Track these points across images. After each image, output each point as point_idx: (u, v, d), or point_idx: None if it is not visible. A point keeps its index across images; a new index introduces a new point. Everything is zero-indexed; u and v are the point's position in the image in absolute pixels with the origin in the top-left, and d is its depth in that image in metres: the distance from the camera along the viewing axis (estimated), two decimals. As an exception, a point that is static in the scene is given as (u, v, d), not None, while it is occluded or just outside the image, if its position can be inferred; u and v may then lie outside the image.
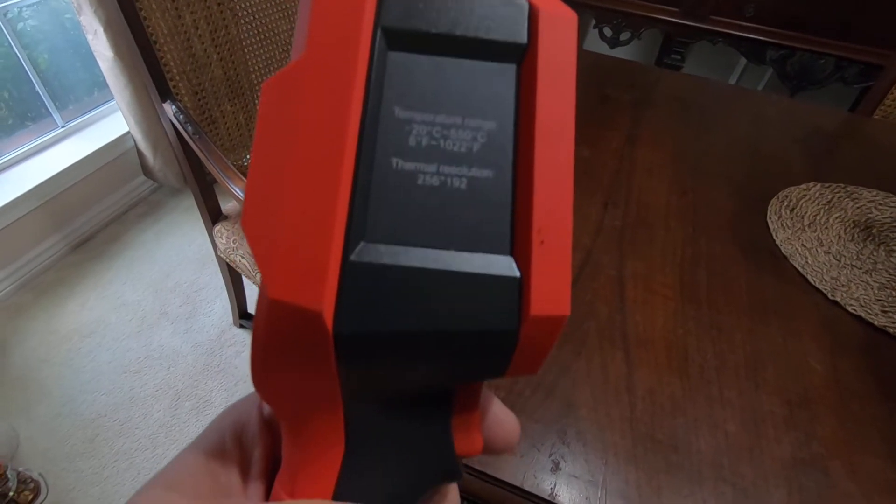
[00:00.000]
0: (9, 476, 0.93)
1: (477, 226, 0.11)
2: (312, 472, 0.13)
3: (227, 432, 0.15)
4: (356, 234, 0.10)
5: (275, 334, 0.11)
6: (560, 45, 0.12)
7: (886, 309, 0.54)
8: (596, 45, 1.86)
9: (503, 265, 0.11)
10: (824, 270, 0.59)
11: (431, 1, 0.11)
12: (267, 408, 0.16)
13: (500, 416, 0.16)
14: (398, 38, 0.11)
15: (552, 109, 0.11)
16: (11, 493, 0.93)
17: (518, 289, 0.11)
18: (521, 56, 0.12)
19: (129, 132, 1.55)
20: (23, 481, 0.96)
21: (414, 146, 0.11)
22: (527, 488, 0.37)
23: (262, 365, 0.12)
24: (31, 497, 0.95)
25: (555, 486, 0.38)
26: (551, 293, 0.11)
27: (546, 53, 0.11)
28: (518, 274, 0.11)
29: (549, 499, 0.37)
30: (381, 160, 0.11)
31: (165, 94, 0.83)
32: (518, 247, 0.11)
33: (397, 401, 0.13)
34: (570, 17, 0.12)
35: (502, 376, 0.13)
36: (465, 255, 0.11)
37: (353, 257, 0.10)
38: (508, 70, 0.12)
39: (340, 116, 0.10)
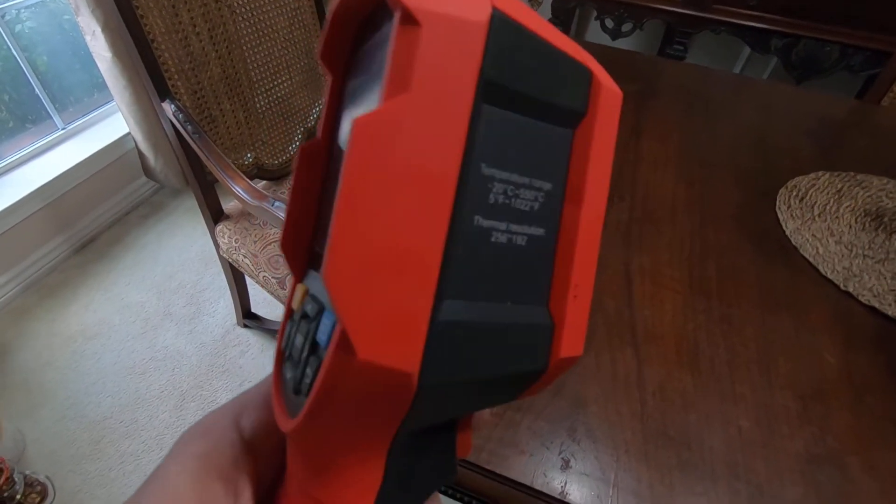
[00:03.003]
0: (15, 479, 0.93)
1: (527, 280, 0.12)
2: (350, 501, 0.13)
3: (204, 466, 0.14)
4: (441, 291, 0.10)
5: (353, 390, 0.11)
6: (610, 118, 0.13)
7: (900, 299, 0.53)
8: (598, 36, 1.84)
9: (541, 315, 0.13)
10: (836, 261, 0.57)
11: (525, 57, 0.11)
12: (247, 427, 0.15)
13: None
14: (495, 91, 0.11)
15: (598, 177, 0.13)
16: (19, 497, 0.93)
17: (550, 335, 0.13)
18: (578, 123, 0.13)
19: (129, 133, 1.54)
20: (29, 484, 0.96)
21: (492, 204, 0.11)
22: (537, 487, 0.37)
23: (322, 413, 0.12)
24: (38, 500, 0.95)
25: (565, 484, 0.37)
26: (575, 338, 0.13)
27: (601, 125, 0.13)
28: (551, 323, 0.13)
29: (559, 497, 0.36)
30: (466, 217, 0.11)
31: (164, 93, 0.82)
32: (554, 299, 0.13)
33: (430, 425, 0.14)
34: (619, 93, 0.13)
35: (514, 400, 0.14)
36: (517, 307, 0.12)
37: (439, 317, 0.10)
38: (566, 135, 0.13)
39: (443, 169, 0.10)
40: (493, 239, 0.11)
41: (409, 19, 0.09)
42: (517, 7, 0.11)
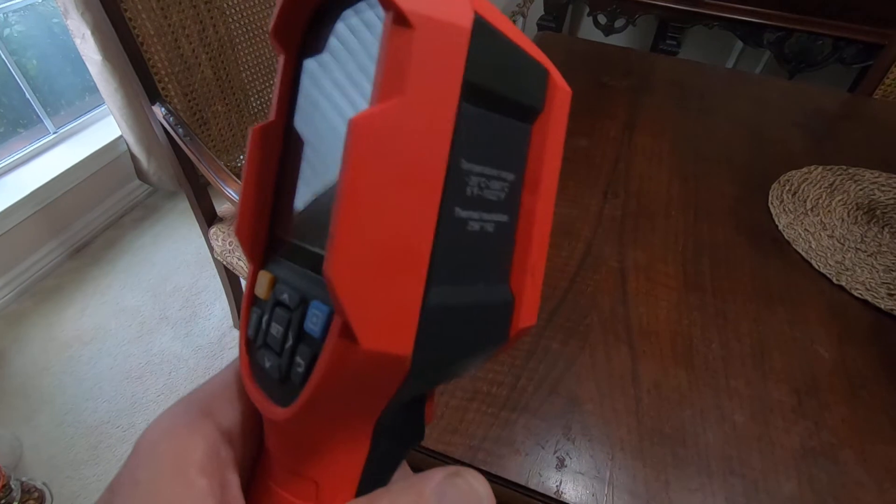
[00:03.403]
0: (12, 486, 0.92)
1: (495, 262, 0.14)
2: (339, 476, 0.14)
3: (183, 466, 0.13)
4: (430, 279, 0.11)
5: (351, 377, 0.11)
6: (562, 114, 0.14)
7: (893, 292, 0.53)
8: (590, 32, 1.84)
9: (504, 292, 0.14)
10: (828, 255, 0.58)
11: (499, 60, 0.12)
12: (224, 419, 0.15)
13: None
14: (475, 92, 0.11)
15: (552, 167, 0.14)
16: None
17: (511, 309, 0.14)
18: (536, 118, 0.14)
19: (121, 136, 1.53)
20: (27, 491, 0.96)
21: (469, 196, 0.12)
22: (532, 486, 0.37)
23: (321, 400, 0.12)
24: (36, 506, 0.95)
25: (560, 483, 0.37)
26: (530, 310, 0.14)
27: (555, 120, 0.14)
28: (512, 298, 0.14)
29: (554, 496, 0.36)
30: (448, 209, 0.12)
31: (155, 96, 0.82)
32: (514, 277, 0.14)
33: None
34: (569, 91, 0.14)
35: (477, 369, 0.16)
36: (487, 287, 0.13)
37: (429, 302, 0.11)
38: (525, 129, 0.14)
39: (434, 166, 0.11)
40: (468, 228, 0.12)
41: (403, 21, 0.10)
42: (492, 11, 0.12)
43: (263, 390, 0.14)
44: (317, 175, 0.13)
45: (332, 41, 0.13)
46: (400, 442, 0.15)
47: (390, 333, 0.11)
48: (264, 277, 0.14)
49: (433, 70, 0.10)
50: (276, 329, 0.13)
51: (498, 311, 0.14)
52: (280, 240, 0.15)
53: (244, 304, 0.15)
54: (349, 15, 0.13)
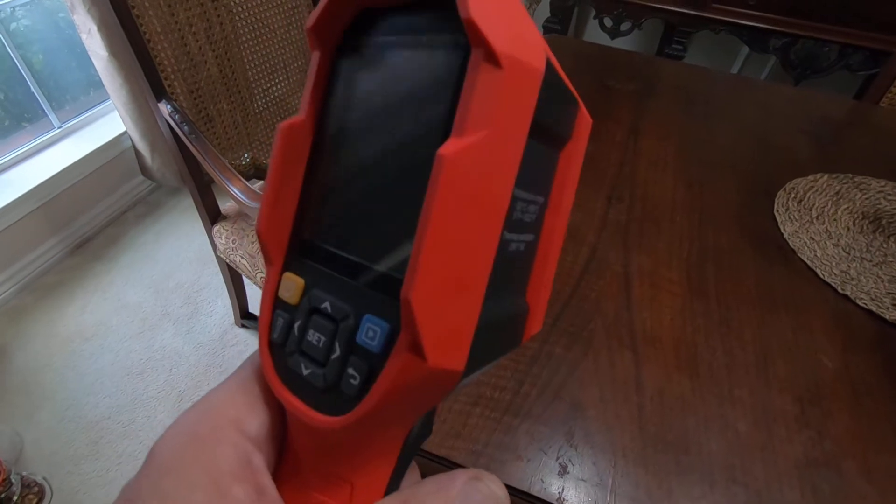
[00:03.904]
0: (13, 480, 0.92)
1: (520, 277, 0.15)
2: (373, 474, 0.14)
3: (218, 477, 0.13)
4: (484, 299, 0.12)
5: (408, 388, 0.12)
6: (584, 140, 0.15)
7: (898, 302, 0.53)
8: (596, 35, 1.84)
9: (522, 303, 0.15)
10: (833, 264, 0.57)
11: (556, 99, 0.13)
12: (252, 428, 0.14)
13: None
14: (537, 128, 0.12)
15: (572, 189, 0.15)
16: (16, 498, 0.93)
17: (525, 318, 0.15)
18: (564, 145, 0.15)
19: (125, 132, 1.53)
20: (27, 485, 0.96)
21: (514, 220, 0.13)
22: (534, 493, 0.37)
23: (380, 412, 0.12)
24: (35, 501, 0.95)
25: (563, 490, 0.37)
26: (539, 318, 0.16)
27: (580, 147, 0.15)
28: (527, 309, 0.15)
29: (557, 503, 0.36)
30: (503, 234, 0.12)
31: (160, 93, 0.82)
32: (532, 290, 0.15)
33: None
34: (591, 121, 0.16)
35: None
36: (514, 300, 0.15)
37: (482, 320, 0.12)
38: (555, 156, 0.15)
39: (503, 197, 0.12)
40: (510, 248, 0.13)
41: (493, 60, 0.10)
42: (549, 51, 0.13)
43: (300, 397, 0.13)
44: (364, 186, 0.13)
45: (389, 55, 0.13)
46: (417, 442, 0.15)
47: (452, 351, 0.11)
48: (292, 281, 0.14)
49: (513, 108, 0.11)
50: (315, 337, 0.13)
51: (516, 320, 0.15)
52: (307, 242, 0.14)
53: (265, 306, 0.15)
54: (414, 33, 0.13)
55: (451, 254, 0.11)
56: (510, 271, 0.14)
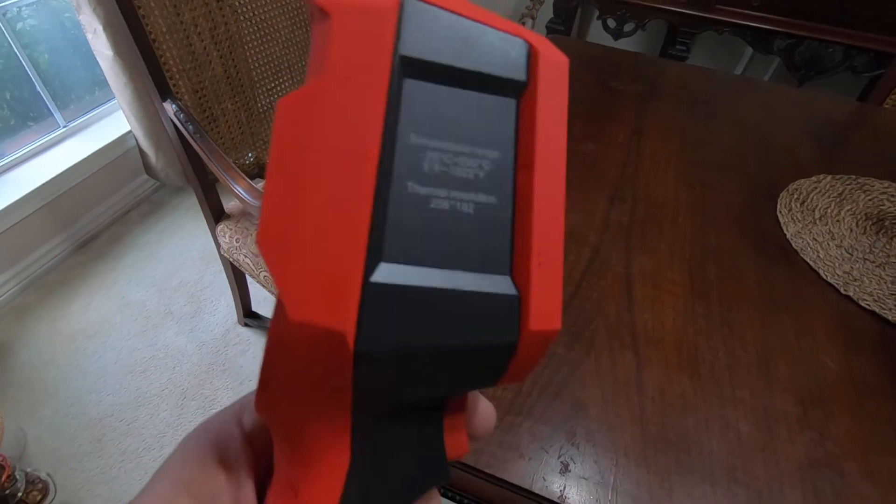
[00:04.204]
0: (17, 476, 0.93)
1: (481, 248, 0.12)
2: (318, 486, 0.13)
3: (209, 457, 0.15)
4: (375, 255, 0.11)
5: (292, 355, 0.11)
6: (556, 85, 0.13)
7: (901, 304, 0.53)
8: (600, 36, 1.84)
9: (503, 284, 0.13)
10: (836, 265, 0.57)
11: (444, 34, 0.12)
12: (248, 423, 0.16)
13: (478, 406, 0.16)
14: (414, 66, 0.11)
15: (548, 144, 0.13)
16: (20, 494, 0.93)
17: (517, 306, 0.13)
18: (521, 92, 0.13)
19: (130, 131, 1.54)
20: (31, 482, 0.96)
21: (427, 171, 0.12)
22: (536, 491, 0.37)
23: (274, 385, 0.12)
24: (39, 497, 0.96)
25: (564, 488, 0.37)
26: (547, 310, 0.13)
27: (544, 92, 0.13)
28: (516, 292, 0.13)
29: (558, 501, 0.36)
30: (397, 184, 0.11)
31: (165, 92, 0.82)
32: (517, 268, 0.13)
33: (397, 408, 0.14)
34: (564, 61, 0.14)
35: (495, 385, 0.14)
36: (472, 275, 0.12)
37: (373, 278, 0.11)
38: (509, 104, 0.13)
39: (362, 139, 0.11)
40: (432, 205, 0.12)
41: (321, 12, 0.11)
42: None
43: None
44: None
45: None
46: (408, 468, 0.14)
47: (325, 307, 0.10)
48: None
49: (356, 50, 0.11)
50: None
51: (494, 305, 0.12)
52: None
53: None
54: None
55: (301, 197, 0.10)
56: (450, 235, 0.12)
